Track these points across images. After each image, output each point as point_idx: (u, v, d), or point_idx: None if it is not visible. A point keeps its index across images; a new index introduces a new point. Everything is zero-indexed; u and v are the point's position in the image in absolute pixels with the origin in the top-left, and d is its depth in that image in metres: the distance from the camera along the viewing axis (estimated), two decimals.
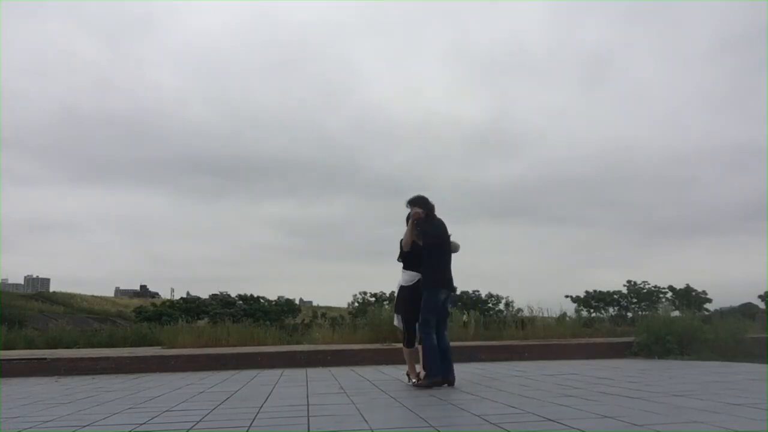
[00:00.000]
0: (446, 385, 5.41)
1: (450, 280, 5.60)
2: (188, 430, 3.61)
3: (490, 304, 54.12)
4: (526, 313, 13.73)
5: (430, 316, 5.45)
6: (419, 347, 5.49)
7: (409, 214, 5.61)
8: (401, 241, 5.65)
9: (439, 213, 5.70)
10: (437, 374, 5.35)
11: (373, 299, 51.05)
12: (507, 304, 52.19)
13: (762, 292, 45.42)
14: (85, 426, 3.88)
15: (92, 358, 8.75)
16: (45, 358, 8.81)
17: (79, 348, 12.58)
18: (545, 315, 12.85)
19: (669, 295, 50.75)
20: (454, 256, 5.70)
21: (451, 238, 5.68)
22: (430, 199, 5.69)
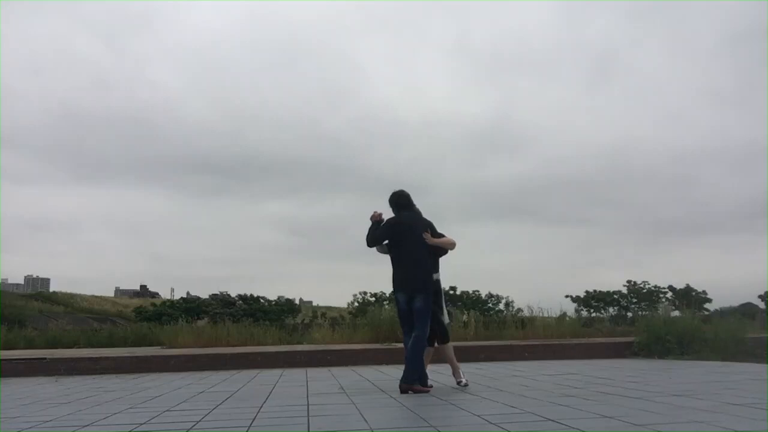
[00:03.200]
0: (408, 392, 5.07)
1: (406, 279, 5.29)
2: (188, 430, 3.61)
3: (490, 304, 54.03)
4: (526, 313, 13.77)
5: (400, 321, 5.46)
6: (430, 349, 5.44)
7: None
8: None
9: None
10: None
11: (373, 299, 50.96)
12: (507, 304, 52.07)
13: (762, 292, 45.41)
14: (85, 426, 3.88)
15: (92, 358, 8.75)
16: (45, 358, 8.81)
17: (79, 348, 12.60)
18: (545, 315, 12.88)
19: (669, 295, 50.74)
20: (450, 253, 5.54)
21: (447, 236, 5.49)
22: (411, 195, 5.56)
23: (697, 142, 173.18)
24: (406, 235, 5.35)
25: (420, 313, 5.21)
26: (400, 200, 5.54)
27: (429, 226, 5.46)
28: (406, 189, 5.61)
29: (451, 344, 5.60)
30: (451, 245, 5.50)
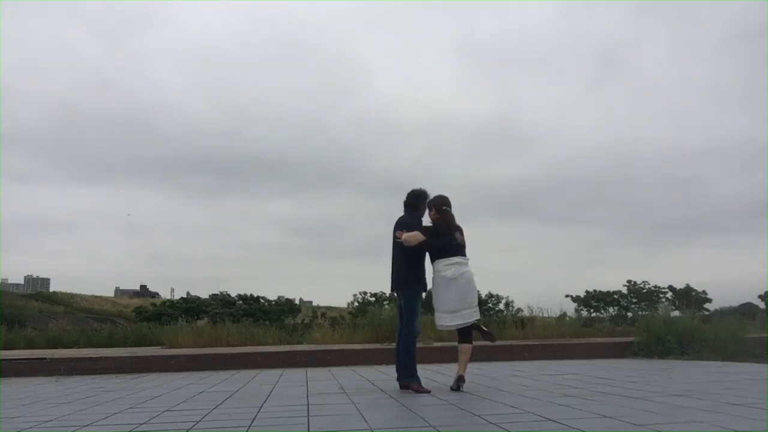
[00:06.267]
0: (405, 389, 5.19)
1: (393, 278, 5.41)
2: (188, 430, 3.61)
3: (490, 304, 54.00)
4: (526, 313, 13.74)
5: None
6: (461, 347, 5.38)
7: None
8: None
9: None
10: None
11: (373, 299, 50.96)
12: (507, 304, 52.07)
13: (762, 292, 45.40)
14: (85, 426, 3.89)
15: (92, 358, 8.75)
16: (45, 358, 8.81)
17: (79, 348, 12.59)
18: (545, 315, 12.86)
19: (669, 295, 50.71)
20: None
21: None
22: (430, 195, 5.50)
23: (698, 142, 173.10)
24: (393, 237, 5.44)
25: (402, 310, 5.32)
26: (406, 200, 5.52)
27: (405, 226, 5.27)
28: (407, 188, 5.52)
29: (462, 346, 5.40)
30: (406, 241, 5.15)
